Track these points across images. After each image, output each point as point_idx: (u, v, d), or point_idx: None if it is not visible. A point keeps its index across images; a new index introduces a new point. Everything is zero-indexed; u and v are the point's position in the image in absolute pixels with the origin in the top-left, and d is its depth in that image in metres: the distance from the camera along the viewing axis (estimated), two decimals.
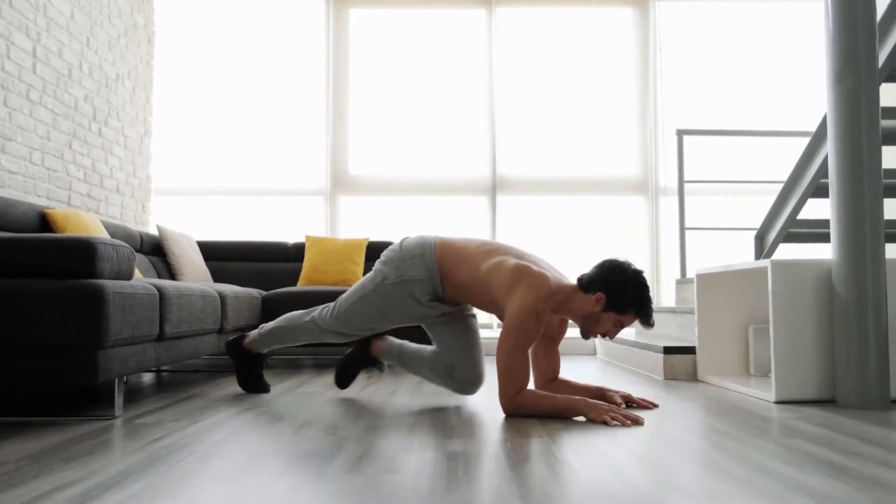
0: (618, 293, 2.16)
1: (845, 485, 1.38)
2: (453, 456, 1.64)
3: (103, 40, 4.02)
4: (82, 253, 2.02)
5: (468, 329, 2.48)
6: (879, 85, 2.40)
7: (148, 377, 3.33)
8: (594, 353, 4.70)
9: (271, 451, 1.68)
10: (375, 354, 2.66)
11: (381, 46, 4.94)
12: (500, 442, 1.80)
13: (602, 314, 2.20)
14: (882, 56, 2.86)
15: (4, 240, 2.03)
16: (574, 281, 2.40)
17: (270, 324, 2.63)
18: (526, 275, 2.16)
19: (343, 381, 2.70)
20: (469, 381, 2.43)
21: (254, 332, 2.68)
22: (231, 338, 2.76)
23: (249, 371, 2.71)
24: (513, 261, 2.22)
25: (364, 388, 2.87)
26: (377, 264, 2.46)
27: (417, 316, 2.40)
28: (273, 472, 1.49)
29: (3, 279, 2.02)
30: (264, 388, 2.73)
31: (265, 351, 2.68)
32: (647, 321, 2.19)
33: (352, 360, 2.69)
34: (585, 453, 1.66)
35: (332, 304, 2.51)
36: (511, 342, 2.11)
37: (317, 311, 2.53)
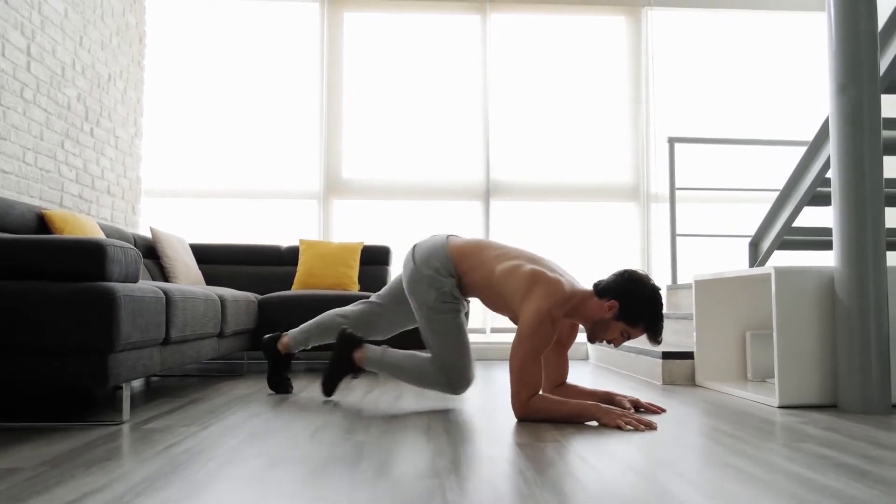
0: (632, 305, 2.18)
1: (870, 488, 1.40)
2: (478, 460, 1.64)
3: (96, 39, 3.96)
4: (92, 255, 1.99)
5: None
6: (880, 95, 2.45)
7: (136, 382, 3.28)
8: (586, 357, 4.73)
9: (292, 458, 1.66)
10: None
11: (375, 50, 4.93)
12: (519, 446, 1.80)
13: (612, 322, 2.22)
14: (882, 66, 2.92)
15: (13, 241, 1.99)
16: (587, 285, 2.43)
17: (392, 356, 2.51)
18: (541, 280, 2.17)
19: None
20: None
21: (375, 351, 2.54)
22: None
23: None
24: (528, 266, 2.23)
25: (367, 393, 2.86)
26: (409, 295, 2.44)
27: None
28: (298, 477, 1.47)
29: (11, 281, 1.98)
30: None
31: (368, 369, 2.60)
32: (654, 338, 2.21)
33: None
34: (606, 457, 1.67)
35: (431, 359, 2.47)
36: (525, 348, 2.12)
37: (436, 368, 2.45)
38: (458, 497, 1.33)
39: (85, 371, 1.97)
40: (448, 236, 2.48)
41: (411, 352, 2.54)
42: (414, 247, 2.48)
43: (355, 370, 2.58)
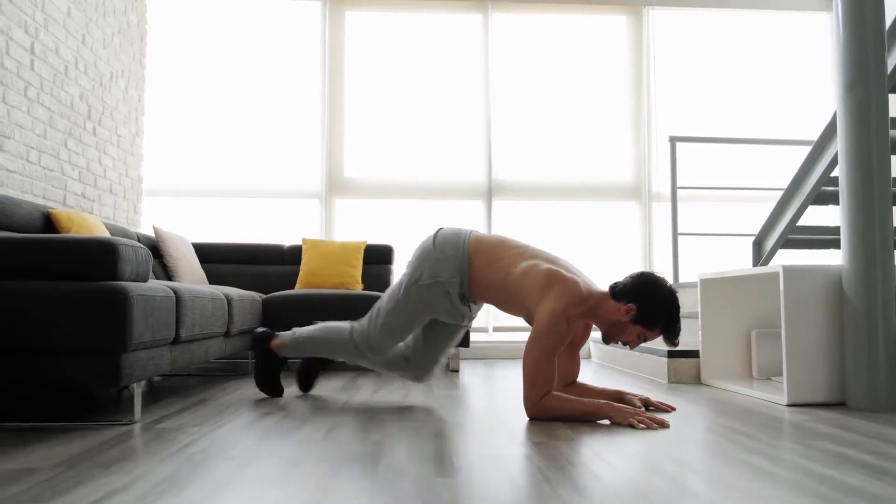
0: (649, 308, 2.18)
1: (890, 486, 1.41)
2: (497, 459, 1.64)
3: (98, 38, 3.94)
4: (104, 254, 1.98)
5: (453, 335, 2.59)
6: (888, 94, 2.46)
7: (141, 382, 3.27)
8: (588, 356, 4.73)
9: (310, 458, 1.66)
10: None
11: (377, 49, 4.93)
12: (535, 445, 1.80)
13: (629, 325, 2.22)
14: (890, 65, 2.93)
15: (24, 241, 1.98)
16: (603, 287, 2.43)
17: (306, 332, 2.58)
18: (557, 280, 2.17)
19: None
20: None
21: (286, 335, 2.64)
22: (259, 331, 2.70)
23: (269, 372, 2.69)
24: (545, 266, 2.23)
25: (375, 391, 2.86)
26: (409, 263, 2.44)
27: (446, 314, 2.42)
28: (319, 478, 1.47)
29: (23, 280, 1.97)
30: (279, 392, 2.70)
31: (290, 356, 2.65)
32: (671, 340, 2.22)
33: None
34: (623, 456, 1.68)
35: (367, 316, 2.49)
36: (540, 347, 2.12)
37: (355, 325, 2.50)
38: (483, 496, 1.33)
39: (97, 371, 1.96)
40: (472, 231, 2.47)
41: (322, 323, 2.61)
42: (439, 229, 2.47)
43: (279, 360, 2.68)
